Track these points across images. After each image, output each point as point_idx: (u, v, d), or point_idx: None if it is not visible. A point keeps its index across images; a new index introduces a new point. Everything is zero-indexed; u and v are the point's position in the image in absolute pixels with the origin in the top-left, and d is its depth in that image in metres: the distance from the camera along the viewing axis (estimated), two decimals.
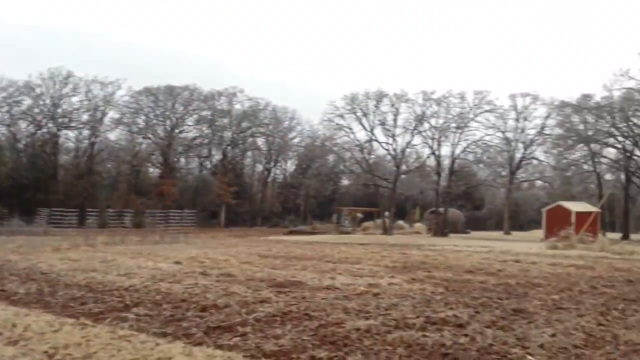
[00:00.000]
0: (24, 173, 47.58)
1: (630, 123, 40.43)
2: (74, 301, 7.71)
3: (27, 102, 51.15)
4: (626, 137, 42.12)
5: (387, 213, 45.33)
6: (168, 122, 57.79)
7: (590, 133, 44.31)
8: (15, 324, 5.92)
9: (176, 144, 58.57)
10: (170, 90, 56.62)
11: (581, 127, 45.62)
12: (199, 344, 5.36)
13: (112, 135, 56.76)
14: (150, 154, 58.15)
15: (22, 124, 52.35)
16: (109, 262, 13.10)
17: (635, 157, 43.01)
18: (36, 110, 51.44)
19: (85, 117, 53.42)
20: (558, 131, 49.28)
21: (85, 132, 53.92)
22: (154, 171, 59.84)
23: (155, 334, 5.74)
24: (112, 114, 55.16)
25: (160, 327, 6.07)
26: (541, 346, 5.27)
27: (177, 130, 58.36)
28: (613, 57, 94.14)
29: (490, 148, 49.62)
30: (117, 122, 55.67)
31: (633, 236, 44.56)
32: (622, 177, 48.86)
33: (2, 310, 6.86)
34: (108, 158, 56.48)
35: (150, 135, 57.74)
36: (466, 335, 5.73)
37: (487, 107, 46.83)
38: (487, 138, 48.67)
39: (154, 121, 57.63)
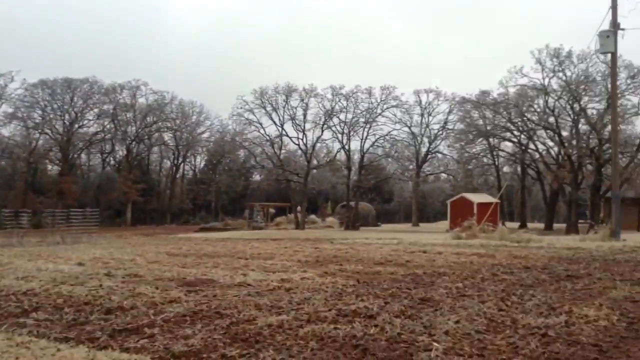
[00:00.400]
0: None
1: (525, 118, 43.14)
2: None
3: None
4: (521, 132, 44.96)
5: (299, 208, 45.61)
6: (67, 117, 54.91)
7: (489, 128, 46.89)
8: None
9: (76, 140, 55.78)
10: (69, 83, 53.74)
11: (480, 122, 48.18)
12: (104, 347, 5.13)
13: (6, 131, 53.10)
14: (48, 150, 55.02)
15: None
16: (4, 266, 12.25)
17: (529, 151, 46.03)
18: None
19: None
20: (460, 126, 51.81)
21: None
22: (53, 168, 56.71)
23: (57, 339, 5.44)
24: (4, 108, 51.53)
25: (61, 332, 5.75)
26: (446, 333, 5.48)
27: (76, 125, 55.60)
28: (510, 55, 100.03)
29: (398, 142, 51.20)
30: (11, 117, 52.16)
31: (530, 225, 47.71)
32: (519, 169, 52.21)
33: None
34: (2, 155, 52.74)
35: (47, 131, 54.63)
36: (376, 325, 5.84)
37: (393, 103, 48.25)
38: (394, 133, 50.19)
39: (52, 115, 54.58)
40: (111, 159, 61.64)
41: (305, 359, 4.66)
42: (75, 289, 8.65)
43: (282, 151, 51.14)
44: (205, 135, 64.14)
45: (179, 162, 63.99)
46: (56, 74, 54.17)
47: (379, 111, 47.81)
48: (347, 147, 48.03)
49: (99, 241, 23.10)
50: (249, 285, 9.05)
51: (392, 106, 48.54)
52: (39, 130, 53.91)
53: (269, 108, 47.49)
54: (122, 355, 4.85)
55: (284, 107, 47.54)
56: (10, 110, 51.53)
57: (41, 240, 22.51)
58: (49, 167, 57.44)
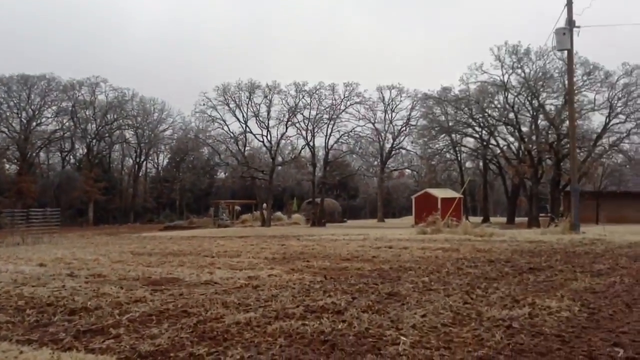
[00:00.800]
0: None
1: (486, 114, 43.93)
2: None
3: None
4: (482, 127, 45.75)
5: (264, 205, 45.48)
6: (24, 114, 53.50)
7: (451, 124, 47.56)
8: None
9: (34, 138, 54.40)
10: (25, 80, 52.34)
11: (443, 118, 48.82)
12: (68, 349, 5.03)
13: None
14: (5, 149, 53.42)
15: None
16: None
17: (491, 146, 46.90)
18: None
19: None
20: (422, 122, 52.37)
21: None
22: (10, 167, 55.08)
23: (19, 342, 5.31)
24: None
25: (24, 334, 5.62)
26: (413, 326, 5.56)
27: (34, 123, 54.20)
28: (471, 52, 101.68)
29: (362, 139, 51.48)
30: None
31: (493, 219, 48.64)
32: (481, 164, 53.15)
33: None
34: None
35: (4, 129, 53.04)
36: (344, 321, 5.89)
37: (357, 99, 48.49)
38: (358, 129, 50.44)
39: (8, 113, 53.06)
40: (71, 157, 60.36)
41: (274, 356, 4.66)
42: (38, 290, 8.45)
43: (247, 148, 50.93)
44: (167, 132, 63.40)
45: (142, 160, 63.03)
46: (12, 70, 52.64)
47: (342, 107, 48.03)
48: (311, 143, 48.12)
49: (60, 241, 22.57)
50: (215, 283, 8.99)
51: (356, 102, 48.82)
52: None
53: (232, 105, 47.19)
54: (87, 356, 4.77)
55: (247, 104, 47.32)
56: None
57: (0, 241, 21.87)
58: (7, 166, 55.86)
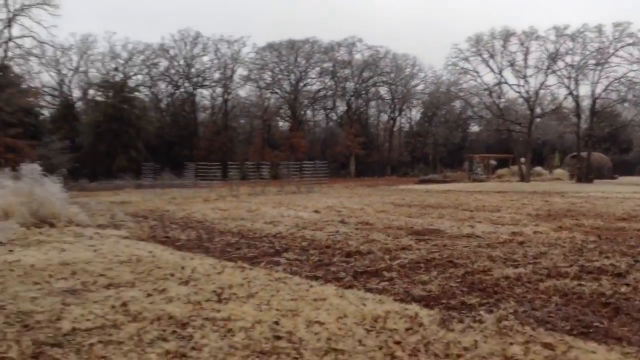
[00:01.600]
0: (168, 131, 51.30)
1: None
2: (230, 247, 8.34)
3: (164, 63, 54.27)
4: None
5: (522, 159, 43.24)
6: (292, 76, 58.93)
7: None
8: (183, 267, 6.55)
9: (302, 97, 59.79)
10: (292, 45, 57.45)
11: None
12: (349, 287, 5.58)
13: (243, 92, 59.17)
14: (278, 108, 59.97)
15: (162, 85, 55.96)
16: (254, 212, 13.93)
17: None
18: (172, 71, 54.64)
19: (216, 75, 56.13)
20: None
21: (218, 90, 56.79)
22: (283, 125, 61.74)
23: (307, 277, 6.07)
24: (240, 71, 57.27)
25: (310, 271, 6.39)
26: None
27: (301, 84, 59.41)
28: None
29: (636, 85, 44.90)
30: (246, 79, 57.78)
31: None
32: None
33: (171, 254, 7.60)
34: (241, 114, 59.17)
35: (277, 90, 59.36)
36: (627, 284, 5.41)
37: (629, 41, 42.11)
38: (631, 74, 43.98)
39: (279, 76, 59.01)
40: (333, 114, 64.98)
41: (550, 313, 4.52)
42: (316, 233, 9.50)
43: (502, 100, 48.54)
44: (419, 87, 63.86)
45: (396, 115, 64.88)
46: (281, 36, 58.24)
47: (611, 51, 42.30)
48: (575, 92, 43.68)
49: (328, 191, 24.76)
50: (477, 236, 8.98)
51: (628, 44, 42.50)
52: (270, 90, 59.07)
53: (485, 55, 45.16)
54: (366, 294, 5.23)
55: (501, 53, 44.75)
56: (244, 72, 57.45)
57: (280, 189, 24.85)
58: (280, 123, 62.76)
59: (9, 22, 36.57)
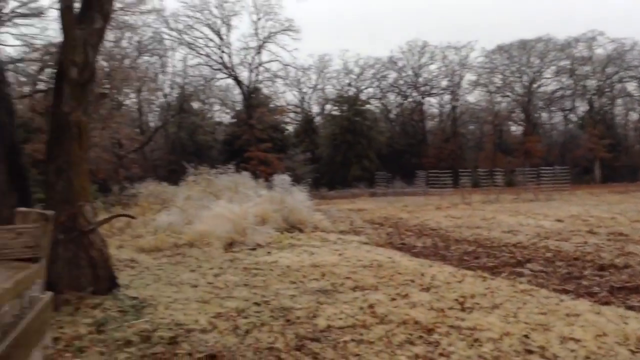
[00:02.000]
0: (397, 140, 52.78)
1: None
2: (467, 255, 8.24)
3: (392, 75, 56.07)
4: None
5: None
6: (525, 78, 55.96)
7: None
8: (422, 273, 6.66)
9: (536, 99, 56.43)
10: (523, 45, 54.60)
11: None
12: (605, 303, 5.11)
13: (471, 97, 58.15)
14: (510, 112, 57.46)
15: (391, 96, 57.90)
16: (489, 220, 13.53)
17: None
18: (401, 82, 56.20)
19: (444, 83, 56.27)
20: None
21: (446, 97, 56.86)
22: (516, 129, 58.88)
23: (555, 290, 5.71)
24: (468, 77, 56.49)
25: (559, 284, 6.00)
26: None
27: (535, 85, 56.06)
28: None
29: None
30: (474, 84, 56.59)
31: None
32: None
33: (409, 261, 7.79)
34: (470, 120, 58.18)
35: (508, 93, 56.97)
36: None
37: None
38: None
39: (510, 78, 56.53)
40: (572, 115, 59.85)
41: None
42: (562, 244, 8.85)
43: None
44: None
45: None
46: (511, 37, 55.64)
47: None
48: None
49: (570, 199, 22.82)
50: None
51: None
52: (501, 94, 56.76)
53: None
54: (627, 312, 4.73)
55: None
56: (473, 78, 56.21)
57: (515, 197, 23.65)
58: (513, 128, 59.84)
59: (259, 49, 41.56)
